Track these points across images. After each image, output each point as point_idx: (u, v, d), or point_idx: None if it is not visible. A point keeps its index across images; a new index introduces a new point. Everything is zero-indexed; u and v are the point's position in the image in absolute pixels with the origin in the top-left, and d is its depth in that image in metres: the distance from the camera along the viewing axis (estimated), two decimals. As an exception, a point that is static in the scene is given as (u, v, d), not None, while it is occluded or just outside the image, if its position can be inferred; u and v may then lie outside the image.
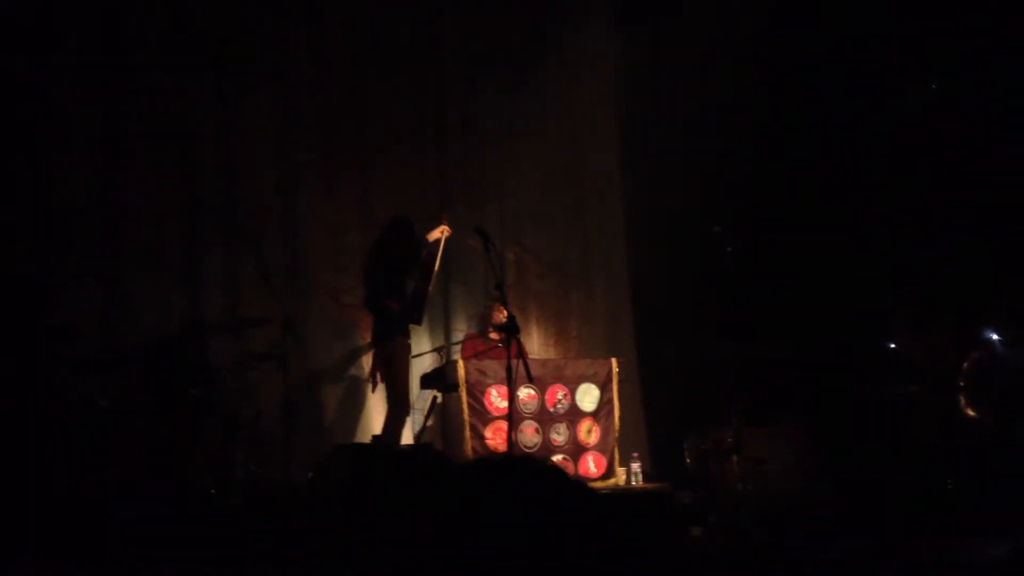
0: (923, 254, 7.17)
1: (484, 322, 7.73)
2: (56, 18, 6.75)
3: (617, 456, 7.06)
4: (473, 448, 6.55)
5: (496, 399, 6.67)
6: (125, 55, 6.96)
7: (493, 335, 7.43)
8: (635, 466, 7.16)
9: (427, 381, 7.08)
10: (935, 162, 7.15)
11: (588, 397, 7.00)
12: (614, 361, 7.17)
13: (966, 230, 6.98)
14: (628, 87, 8.90)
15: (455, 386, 6.67)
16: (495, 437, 6.59)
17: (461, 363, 6.73)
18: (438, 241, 7.07)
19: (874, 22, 7.32)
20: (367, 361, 7.32)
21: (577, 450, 6.92)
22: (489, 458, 5.98)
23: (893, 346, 7.23)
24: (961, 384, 6.76)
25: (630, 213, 8.90)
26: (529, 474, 4.81)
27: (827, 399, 7.19)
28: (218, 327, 6.58)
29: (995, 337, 6.77)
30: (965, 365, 6.78)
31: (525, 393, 6.76)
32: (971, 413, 6.67)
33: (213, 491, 5.62)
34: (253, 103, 7.35)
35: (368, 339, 7.25)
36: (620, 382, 7.15)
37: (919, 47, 7.13)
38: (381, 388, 6.87)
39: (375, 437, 6.77)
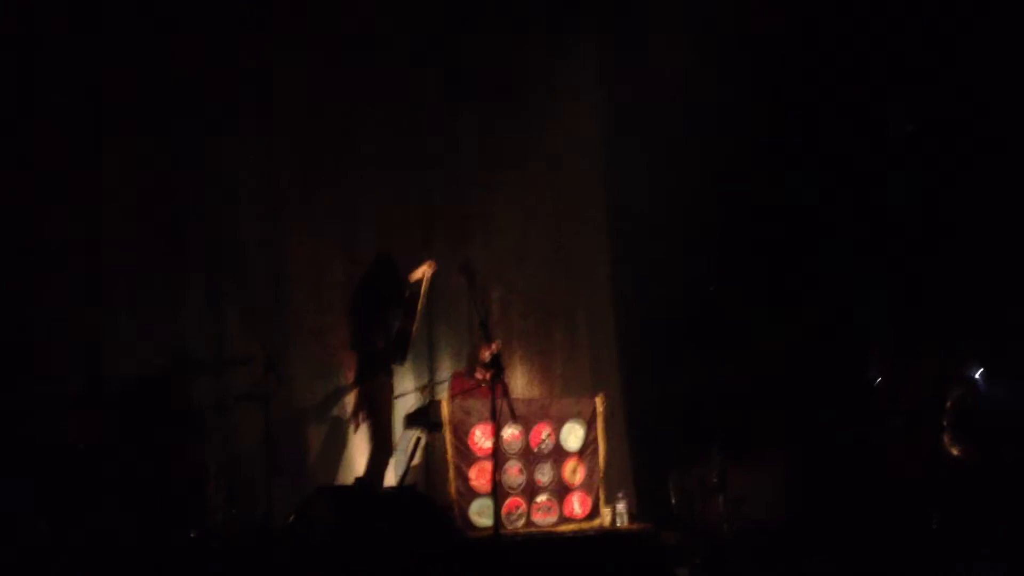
0: (906, 290, 7.20)
1: (470, 361, 7.71)
2: (39, 58, 6.73)
3: (603, 496, 7.02)
4: (457, 489, 6.50)
5: (480, 439, 6.63)
6: (108, 92, 6.94)
7: (479, 374, 7.41)
8: (620, 506, 7.12)
9: (411, 420, 7.04)
10: (919, 199, 7.20)
11: (573, 436, 6.97)
12: (599, 399, 7.15)
13: (948, 267, 7.02)
14: (613, 125, 8.96)
15: (439, 426, 6.63)
16: (479, 477, 6.55)
17: (445, 402, 6.69)
18: (422, 280, 7.07)
19: (853, 66, 7.40)
20: (350, 401, 7.28)
21: (562, 490, 6.88)
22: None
23: (878, 381, 7.25)
24: (944, 421, 6.77)
25: (614, 251, 8.92)
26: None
27: (811, 435, 7.19)
28: (200, 366, 6.53)
29: (977, 374, 6.80)
30: (948, 402, 6.80)
31: (509, 432, 6.73)
32: (954, 450, 6.67)
33: (193, 534, 5.56)
34: (236, 140, 7.34)
35: (351, 378, 7.22)
36: (605, 420, 7.13)
37: (901, 80, 7.21)
38: (364, 428, 6.83)
39: (358, 479, 6.72)
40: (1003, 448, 6.50)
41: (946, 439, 6.73)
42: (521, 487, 6.73)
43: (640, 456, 8.33)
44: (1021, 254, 6.59)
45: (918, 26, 6.98)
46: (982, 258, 6.81)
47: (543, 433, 6.86)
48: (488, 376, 6.65)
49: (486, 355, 7.00)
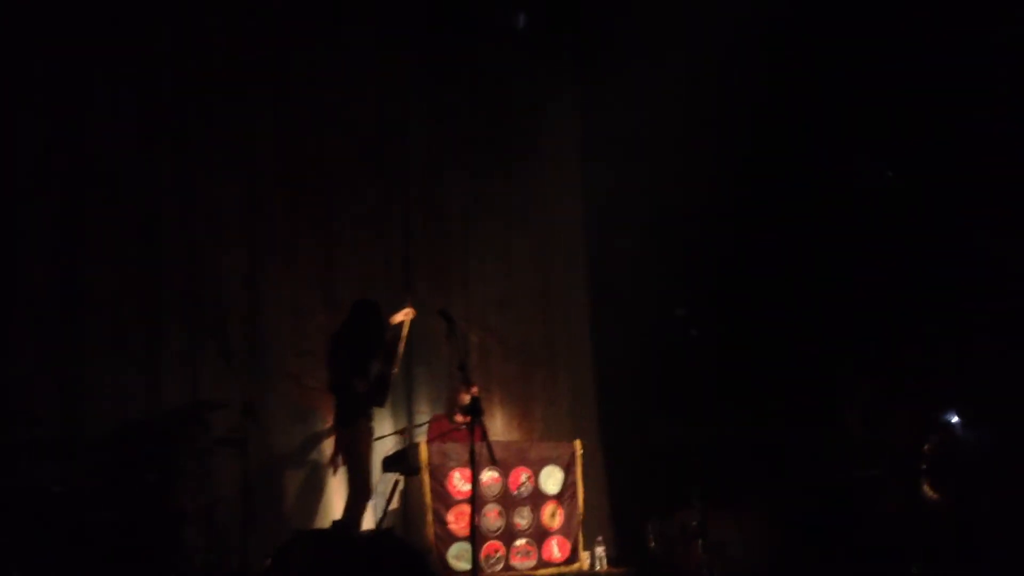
0: (884, 338, 7.26)
1: (450, 404, 7.70)
2: (15, 104, 6.73)
3: (581, 540, 7.01)
4: (435, 532, 6.47)
5: (459, 482, 6.61)
6: (87, 137, 6.95)
7: (458, 417, 7.40)
8: (599, 550, 7.11)
9: (389, 464, 7.01)
10: (895, 245, 7.28)
11: (552, 480, 6.97)
12: (578, 443, 7.16)
13: (925, 313, 7.08)
14: (592, 171, 9.05)
15: (417, 469, 6.61)
16: (458, 521, 6.52)
17: (424, 446, 6.68)
18: (402, 324, 7.08)
19: (832, 104, 7.51)
20: (329, 445, 7.25)
21: (541, 534, 6.85)
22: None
23: (857, 430, 7.27)
24: (923, 467, 6.79)
25: (594, 296, 8.97)
26: None
27: (791, 482, 7.19)
28: (178, 411, 6.47)
29: (955, 420, 6.84)
30: (926, 448, 6.83)
31: (488, 476, 6.72)
32: (933, 496, 6.69)
33: (169, 579, 5.49)
34: (215, 185, 7.34)
35: (330, 422, 7.19)
36: (584, 465, 7.12)
37: (874, 128, 7.31)
38: (343, 472, 6.79)
39: (335, 523, 6.67)
40: (981, 493, 6.53)
41: (925, 484, 6.76)
42: (500, 531, 6.70)
43: (619, 501, 8.31)
44: (997, 301, 6.66)
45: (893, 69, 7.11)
46: (959, 304, 6.88)
47: (522, 477, 6.85)
48: (467, 420, 6.64)
49: (465, 399, 7.01)
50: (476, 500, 5.99)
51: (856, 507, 6.75)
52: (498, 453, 6.23)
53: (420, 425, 7.75)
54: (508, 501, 6.78)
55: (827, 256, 7.54)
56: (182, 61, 7.31)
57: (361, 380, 6.65)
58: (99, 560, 5.32)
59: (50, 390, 6.49)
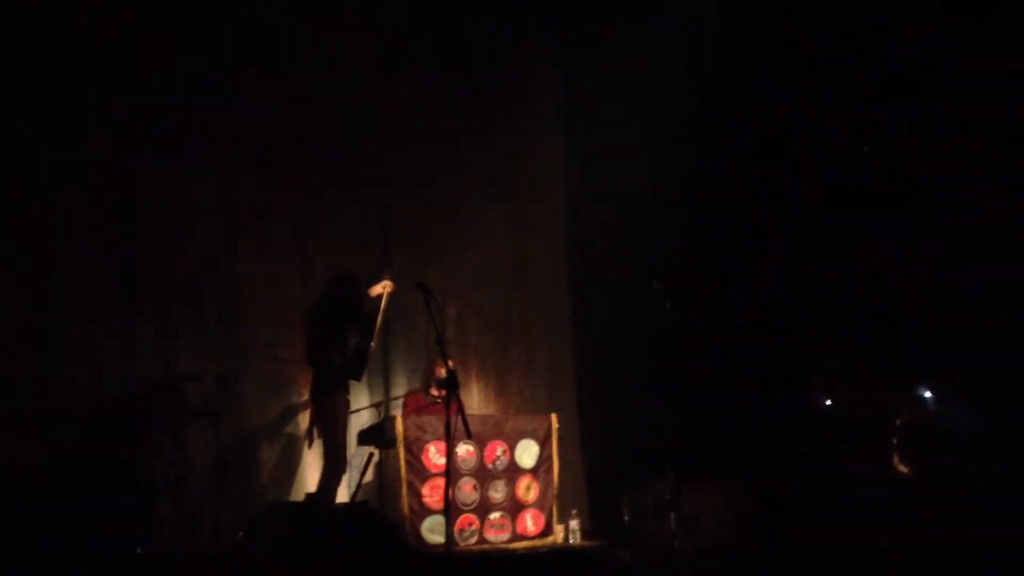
0: (858, 312, 7.30)
1: (426, 377, 7.70)
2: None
3: (556, 513, 7.04)
4: (410, 506, 6.48)
5: (434, 456, 6.62)
6: (61, 107, 6.87)
7: (434, 391, 7.40)
8: (573, 523, 7.14)
9: (364, 437, 7.01)
10: (869, 221, 7.31)
11: (527, 454, 6.99)
12: (554, 417, 7.17)
13: (897, 288, 7.12)
14: (573, 148, 9.03)
15: (393, 442, 6.62)
16: (432, 494, 6.53)
17: (400, 419, 6.68)
18: (380, 296, 7.07)
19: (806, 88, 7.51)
20: (304, 418, 7.25)
21: (516, 507, 6.88)
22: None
23: (828, 403, 7.32)
24: (894, 441, 6.85)
25: (572, 270, 8.97)
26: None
27: (763, 455, 7.24)
28: (151, 383, 6.45)
29: (927, 395, 6.89)
30: (898, 422, 6.88)
31: (464, 449, 6.73)
32: (904, 470, 6.75)
33: (140, 551, 5.49)
34: (191, 155, 7.29)
35: (306, 395, 7.19)
36: (560, 438, 7.14)
37: (854, 108, 7.32)
38: (318, 445, 6.79)
39: (308, 495, 6.68)
40: (952, 467, 6.59)
41: (896, 458, 6.81)
42: (475, 504, 6.72)
43: (594, 474, 8.35)
44: (970, 276, 6.69)
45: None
46: (930, 279, 6.92)
47: (497, 450, 6.87)
48: (443, 394, 6.65)
49: (441, 372, 7.00)
50: (451, 474, 6.00)
51: (826, 480, 6.81)
52: (474, 427, 6.23)
53: (397, 398, 7.75)
54: (483, 474, 6.80)
55: (801, 230, 7.56)
56: (159, 31, 7.22)
57: (338, 353, 6.64)
58: (70, 531, 5.31)
59: (24, 361, 6.45)
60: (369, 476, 7.08)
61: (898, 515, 6.51)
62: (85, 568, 5.23)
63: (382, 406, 7.64)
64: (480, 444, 6.79)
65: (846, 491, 6.79)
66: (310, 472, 7.18)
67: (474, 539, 6.66)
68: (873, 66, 7.05)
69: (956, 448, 6.66)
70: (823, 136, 7.48)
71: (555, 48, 9.12)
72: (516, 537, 6.82)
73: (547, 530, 6.97)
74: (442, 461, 6.46)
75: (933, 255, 6.80)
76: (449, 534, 5.74)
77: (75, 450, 5.72)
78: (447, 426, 5.42)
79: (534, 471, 6.98)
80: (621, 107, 8.29)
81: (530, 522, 6.92)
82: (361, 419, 7.37)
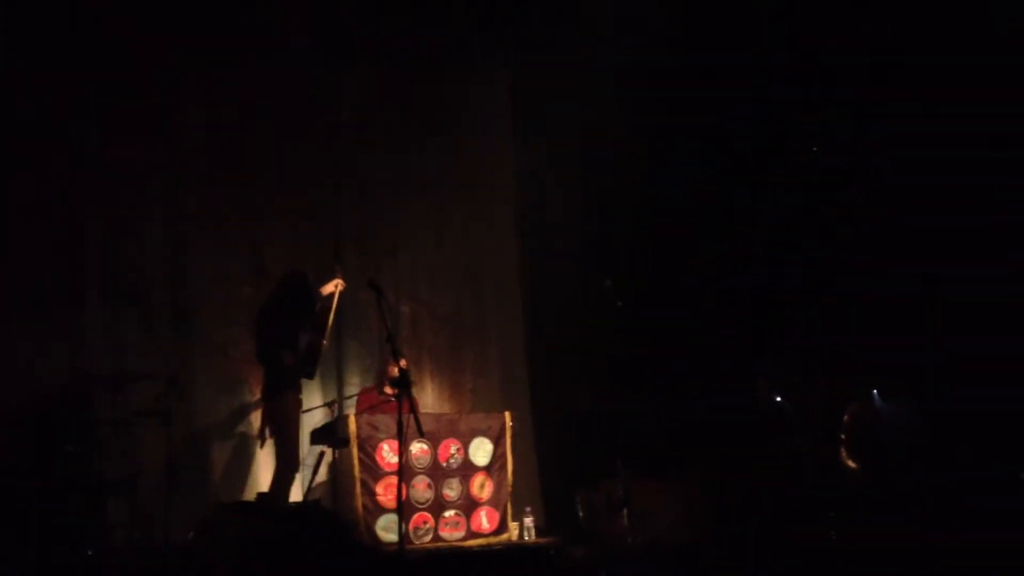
0: (803, 307, 7.39)
1: (379, 376, 7.67)
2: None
3: (510, 511, 7.07)
4: (364, 504, 6.46)
5: (388, 454, 6.61)
6: (9, 100, 6.76)
7: (388, 389, 7.38)
8: (528, 520, 7.18)
9: (317, 436, 6.97)
10: (817, 221, 7.41)
11: (481, 451, 7.00)
12: (507, 415, 7.20)
13: (844, 284, 7.22)
14: (524, 143, 9.04)
15: (346, 441, 6.59)
16: (386, 493, 6.52)
17: (353, 418, 6.66)
18: (332, 295, 7.03)
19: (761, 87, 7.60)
20: (256, 417, 7.19)
21: (470, 505, 6.89)
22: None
23: (779, 400, 7.41)
24: (842, 436, 6.95)
25: (524, 267, 8.99)
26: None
27: (715, 453, 7.32)
28: (99, 382, 6.36)
29: (873, 389, 7.01)
30: (845, 418, 6.99)
31: (417, 448, 6.73)
32: (851, 464, 6.86)
33: (90, 552, 5.41)
34: (139, 153, 7.21)
35: (257, 394, 7.14)
36: (514, 436, 7.17)
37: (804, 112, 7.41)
38: (270, 444, 6.74)
39: (260, 495, 6.63)
40: (897, 461, 6.71)
41: (843, 453, 6.92)
42: (429, 503, 6.72)
43: (548, 471, 8.39)
44: (918, 271, 6.80)
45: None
46: (878, 275, 7.02)
47: (451, 448, 6.88)
48: (396, 392, 6.63)
49: (394, 371, 6.98)
50: (405, 472, 6.01)
51: (776, 476, 6.90)
52: (428, 425, 6.24)
53: (349, 397, 7.72)
54: (437, 473, 6.80)
55: (748, 227, 7.64)
56: (104, 25, 7.13)
57: (290, 351, 6.59)
58: (15, 532, 5.23)
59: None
60: (322, 475, 7.04)
61: (847, 509, 6.63)
62: (35, 570, 5.15)
63: (335, 405, 7.60)
64: (434, 442, 6.79)
65: (796, 487, 6.89)
66: (263, 472, 7.13)
67: (428, 537, 6.66)
68: (827, 60, 7.15)
69: (901, 442, 6.80)
70: (775, 132, 7.56)
71: (504, 47, 9.13)
72: (471, 535, 6.83)
73: (502, 527, 6.99)
74: (395, 460, 6.45)
75: (884, 249, 6.90)
76: (403, 532, 5.74)
77: (19, 449, 5.63)
78: (400, 424, 5.42)
79: (488, 469, 7.00)
80: (572, 106, 8.32)
81: (484, 520, 6.93)
82: (314, 418, 7.33)
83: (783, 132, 7.44)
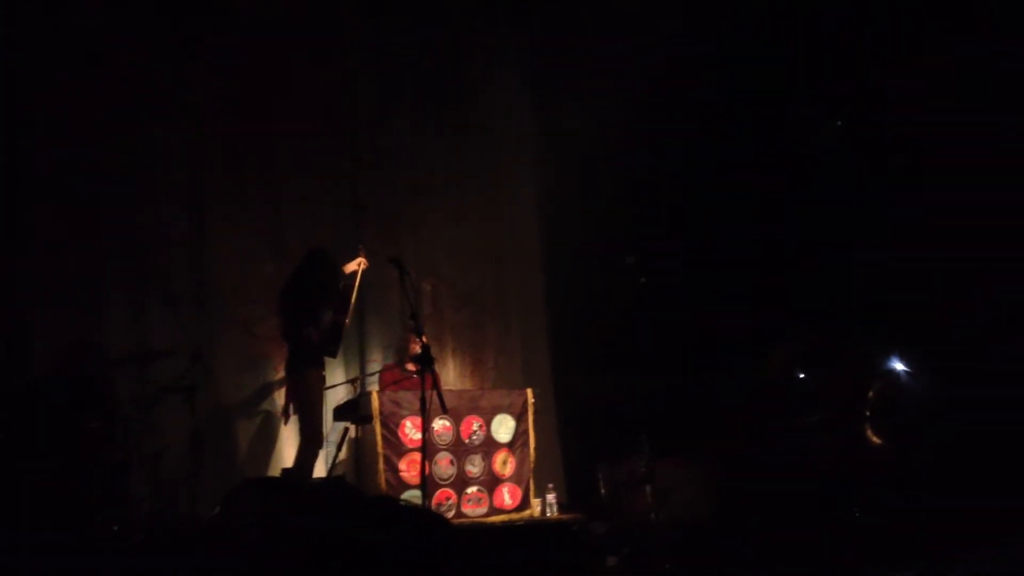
0: (828, 286, 7.34)
1: (401, 353, 7.69)
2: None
3: (532, 487, 7.07)
4: (387, 480, 6.48)
5: (411, 431, 6.62)
6: (28, 83, 6.78)
7: (410, 366, 7.39)
8: (550, 497, 7.18)
9: (340, 413, 6.99)
10: (841, 196, 7.34)
11: (504, 428, 7.00)
12: (530, 392, 7.20)
13: (869, 261, 7.16)
14: (544, 120, 8.99)
15: (369, 418, 6.61)
16: (409, 469, 6.54)
17: (376, 395, 6.67)
18: (355, 273, 7.04)
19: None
20: (280, 394, 7.22)
21: (492, 481, 6.90)
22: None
23: (801, 376, 7.37)
24: (867, 413, 6.91)
25: (546, 244, 8.96)
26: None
27: (737, 429, 7.29)
28: (123, 358, 6.39)
29: (899, 367, 6.95)
30: (870, 394, 6.94)
31: (440, 424, 6.74)
32: (876, 441, 6.82)
33: (115, 528, 5.45)
34: (160, 131, 7.21)
35: (281, 371, 7.16)
36: (536, 413, 7.17)
37: (824, 83, 7.34)
38: (294, 421, 6.77)
39: (285, 470, 6.66)
40: (922, 438, 6.66)
41: (868, 430, 6.88)
42: (451, 479, 6.73)
43: (570, 448, 8.39)
44: (943, 249, 6.74)
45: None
46: (903, 252, 6.96)
47: (474, 425, 6.88)
48: (418, 369, 6.63)
49: (416, 348, 7.00)
50: (428, 448, 6.02)
51: (799, 453, 6.87)
52: (450, 402, 6.25)
53: (372, 374, 7.73)
54: (460, 449, 6.81)
55: (770, 205, 7.59)
56: (125, 9, 7.12)
57: (313, 329, 6.60)
58: (42, 509, 5.27)
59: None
60: (343, 452, 7.07)
61: (871, 486, 6.59)
62: (60, 546, 5.19)
63: (358, 382, 7.62)
64: (456, 419, 6.80)
65: (818, 464, 6.86)
66: (287, 448, 7.16)
67: (451, 513, 6.67)
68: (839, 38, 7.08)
69: (926, 418, 6.74)
70: (799, 109, 7.49)
71: (523, 16, 9.05)
72: (493, 511, 6.85)
73: (524, 504, 6.99)
74: (418, 436, 6.47)
75: (911, 227, 6.83)
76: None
77: (45, 426, 5.66)
78: (422, 401, 5.43)
79: (510, 445, 7.00)
80: (594, 82, 8.26)
81: (507, 496, 6.94)
82: (337, 395, 7.35)
83: (800, 103, 7.37)
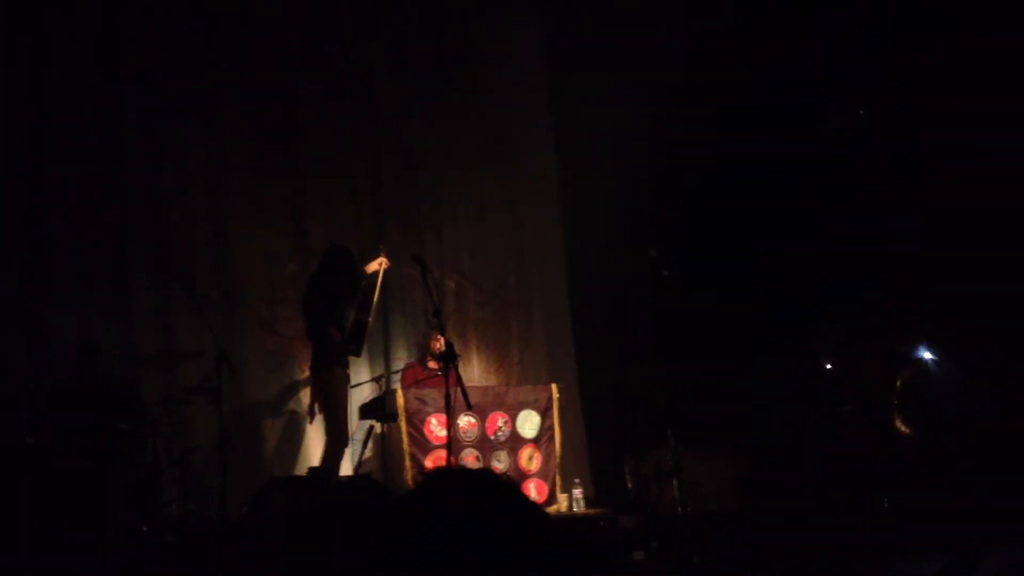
0: (856, 274, 7.29)
1: (423, 351, 7.69)
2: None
3: (559, 482, 7.05)
4: (413, 478, 6.49)
5: (436, 428, 6.63)
6: (52, 85, 6.84)
7: (432, 364, 7.39)
8: (577, 492, 7.16)
9: (366, 411, 7.02)
10: (864, 185, 7.29)
11: (529, 424, 6.99)
12: (554, 387, 7.17)
13: (897, 251, 7.11)
14: (564, 117, 8.97)
15: (394, 416, 6.62)
16: (435, 466, 6.54)
17: (400, 392, 6.68)
18: (376, 273, 7.05)
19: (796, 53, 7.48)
20: (305, 393, 7.24)
21: (519, 477, 6.88)
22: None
23: (828, 367, 7.33)
24: (895, 402, 6.87)
25: (568, 239, 8.94)
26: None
27: (763, 420, 7.26)
28: (150, 360, 6.44)
29: (927, 355, 6.90)
30: (898, 383, 6.90)
31: (465, 421, 6.73)
32: (905, 429, 6.78)
33: (145, 528, 5.50)
34: (182, 132, 7.26)
35: (306, 371, 7.18)
36: (561, 408, 7.15)
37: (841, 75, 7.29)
38: (320, 420, 6.79)
39: (312, 469, 6.68)
40: (951, 426, 6.61)
41: (897, 419, 6.84)
42: (477, 475, 6.72)
43: (596, 442, 8.37)
44: (969, 239, 6.69)
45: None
46: (931, 242, 6.91)
47: (499, 421, 6.87)
48: (440, 366, 6.65)
49: (438, 346, 7.00)
50: (453, 445, 6.02)
51: (827, 443, 6.83)
52: (475, 398, 6.24)
53: (396, 372, 7.75)
54: (486, 446, 6.81)
55: (796, 195, 7.54)
56: (143, 5, 7.16)
57: (337, 328, 6.62)
58: (73, 510, 5.32)
59: (18, 341, 6.44)
60: (369, 450, 7.08)
61: (900, 475, 6.54)
62: (92, 546, 5.24)
63: (383, 380, 7.64)
64: (481, 415, 6.80)
65: (846, 453, 6.82)
66: (313, 447, 7.19)
67: (478, 509, 6.66)
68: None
69: (955, 407, 6.69)
70: (822, 99, 7.45)
71: (540, 11, 9.04)
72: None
73: (551, 499, 6.98)
74: (444, 433, 6.46)
75: (937, 217, 6.79)
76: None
77: (73, 428, 5.71)
78: (447, 398, 5.42)
79: (536, 441, 6.99)
80: (615, 74, 8.22)
81: (534, 492, 6.93)
82: (362, 393, 7.37)
83: (825, 96, 7.32)
